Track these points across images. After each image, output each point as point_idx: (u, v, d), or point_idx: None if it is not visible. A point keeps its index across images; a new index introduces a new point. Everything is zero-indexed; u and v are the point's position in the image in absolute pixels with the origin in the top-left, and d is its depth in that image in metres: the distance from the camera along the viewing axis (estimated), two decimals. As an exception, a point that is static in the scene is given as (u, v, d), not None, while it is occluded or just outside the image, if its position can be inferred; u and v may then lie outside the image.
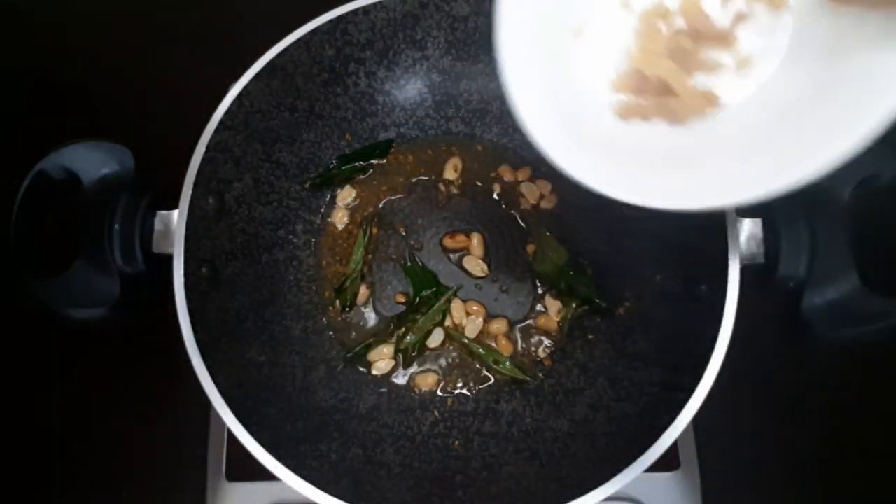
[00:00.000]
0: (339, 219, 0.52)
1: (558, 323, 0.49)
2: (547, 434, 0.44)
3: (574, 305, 0.48)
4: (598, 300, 0.48)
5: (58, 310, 0.42)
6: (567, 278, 0.49)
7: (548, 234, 0.50)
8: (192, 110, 0.44)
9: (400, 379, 0.48)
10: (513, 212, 0.52)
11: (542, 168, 0.52)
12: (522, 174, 0.52)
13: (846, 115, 0.28)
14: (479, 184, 0.53)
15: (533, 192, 0.52)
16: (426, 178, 0.53)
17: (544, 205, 0.52)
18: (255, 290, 0.47)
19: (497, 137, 0.53)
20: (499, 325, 0.49)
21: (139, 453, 0.49)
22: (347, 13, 0.47)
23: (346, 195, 0.52)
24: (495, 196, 0.52)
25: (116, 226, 0.42)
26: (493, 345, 0.49)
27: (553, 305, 0.49)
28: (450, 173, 0.53)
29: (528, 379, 0.47)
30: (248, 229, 0.47)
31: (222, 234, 0.45)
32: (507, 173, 0.53)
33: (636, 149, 0.35)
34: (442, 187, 0.52)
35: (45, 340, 0.51)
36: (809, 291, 0.40)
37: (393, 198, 0.53)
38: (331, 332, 0.49)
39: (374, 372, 0.48)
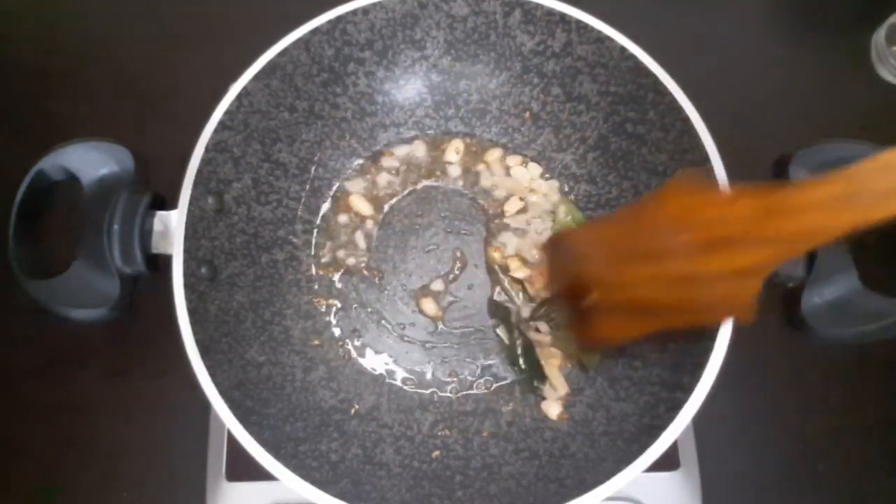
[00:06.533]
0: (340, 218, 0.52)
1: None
2: (547, 434, 0.44)
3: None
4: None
5: (58, 310, 0.42)
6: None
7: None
8: (191, 110, 0.44)
9: (399, 378, 0.48)
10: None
11: (543, 164, 0.53)
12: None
13: None
14: (479, 181, 0.53)
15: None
16: (426, 177, 0.53)
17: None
18: (255, 290, 0.47)
19: (497, 137, 0.53)
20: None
21: (139, 453, 0.49)
22: (347, 13, 0.47)
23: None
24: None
25: (116, 226, 0.42)
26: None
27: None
28: (450, 155, 0.53)
29: None
30: (248, 229, 0.47)
31: (221, 235, 0.45)
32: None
33: None
34: (441, 176, 0.53)
35: (45, 340, 0.51)
36: (809, 291, 0.40)
37: (393, 198, 0.53)
38: (331, 332, 0.49)
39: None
